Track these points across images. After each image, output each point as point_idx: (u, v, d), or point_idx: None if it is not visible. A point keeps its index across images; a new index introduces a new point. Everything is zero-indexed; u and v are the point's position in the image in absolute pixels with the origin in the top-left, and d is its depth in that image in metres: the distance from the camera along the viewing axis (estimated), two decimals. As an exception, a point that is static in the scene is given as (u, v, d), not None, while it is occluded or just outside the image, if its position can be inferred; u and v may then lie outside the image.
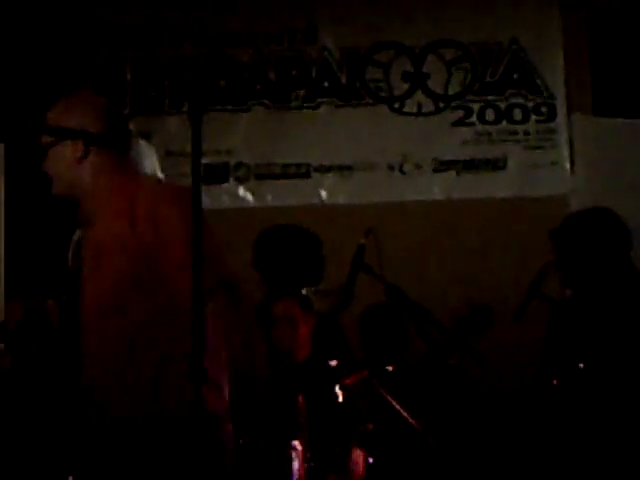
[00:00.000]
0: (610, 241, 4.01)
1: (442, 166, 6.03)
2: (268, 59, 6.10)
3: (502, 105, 6.06)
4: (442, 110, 6.08)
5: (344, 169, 6.05)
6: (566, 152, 6.01)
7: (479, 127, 6.06)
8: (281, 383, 4.54)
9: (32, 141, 3.20)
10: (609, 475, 3.79)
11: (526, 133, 6.04)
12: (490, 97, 6.07)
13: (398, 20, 6.07)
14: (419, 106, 6.08)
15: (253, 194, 6.05)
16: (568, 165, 6.01)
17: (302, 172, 6.06)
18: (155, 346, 3.05)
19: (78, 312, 3.13)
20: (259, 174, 6.06)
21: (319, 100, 6.09)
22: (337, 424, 4.30)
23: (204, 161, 2.44)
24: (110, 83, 6.07)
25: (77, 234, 3.24)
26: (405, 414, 4.37)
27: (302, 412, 4.22)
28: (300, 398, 4.27)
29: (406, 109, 6.08)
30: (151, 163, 6.03)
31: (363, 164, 6.04)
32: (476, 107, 6.07)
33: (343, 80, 6.11)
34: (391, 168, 6.04)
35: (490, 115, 6.06)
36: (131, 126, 6.01)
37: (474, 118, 6.07)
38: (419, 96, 6.09)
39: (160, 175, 6.02)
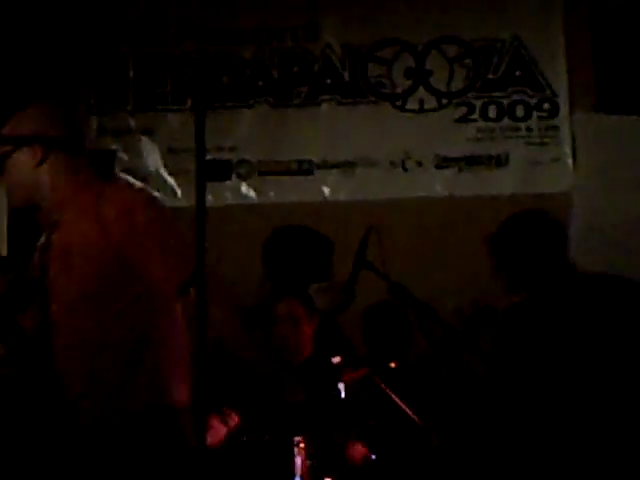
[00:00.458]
0: (547, 243, 4.02)
1: (444, 163, 6.04)
2: (271, 56, 6.10)
3: (504, 102, 6.07)
4: (444, 107, 6.08)
5: (346, 166, 6.05)
6: (568, 149, 6.01)
7: (481, 124, 6.06)
8: (283, 382, 4.55)
9: None
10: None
11: (528, 130, 6.04)
12: (492, 94, 6.07)
13: (400, 17, 6.07)
14: (421, 103, 6.08)
15: (256, 191, 6.06)
16: (570, 162, 6.01)
17: (305, 169, 6.06)
18: (124, 346, 3.10)
19: (47, 315, 3.15)
20: (262, 171, 6.06)
21: (321, 97, 6.10)
22: (339, 420, 4.31)
23: (207, 158, 2.44)
24: (113, 79, 6.08)
25: (41, 239, 3.25)
26: (408, 411, 4.38)
27: (304, 409, 4.23)
28: (302, 395, 4.28)
29: (408, 106, 6.09)
30: (154, 160, 6.04)
31: (365, 161, 6.04)
32: (478, 104, 6.07)
33: (345, 77, 6.11)
34: (393, 165, 6.04)
35: (492, 112, 6.06)
36: (133, 123, 6.09)
37: (476, 115, 6.07)
38: (421, 93, 6.09)
39: (163, 172, 6.04)
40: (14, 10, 5.91)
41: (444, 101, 6.08)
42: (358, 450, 4.36)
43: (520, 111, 6.05)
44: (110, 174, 5.92)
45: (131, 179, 5.97)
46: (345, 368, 4.35)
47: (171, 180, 6.00)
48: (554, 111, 6.04)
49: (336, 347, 4.62)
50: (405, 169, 6.04)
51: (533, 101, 6.05)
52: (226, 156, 6.00)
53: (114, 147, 6.04)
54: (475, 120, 6.06)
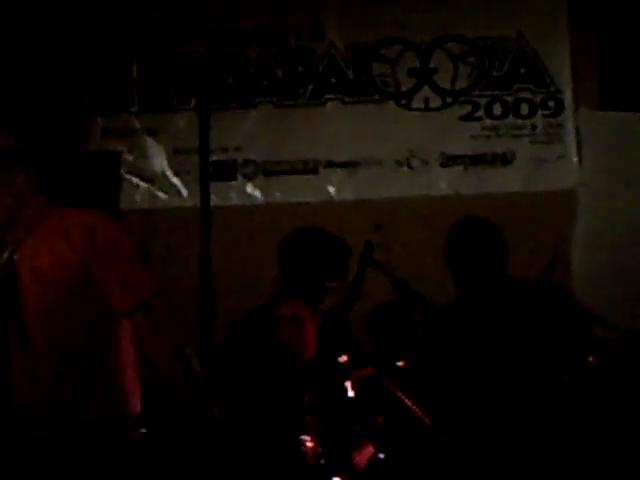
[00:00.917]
0: (488, 249, 4.13)
1: (449, 161, 6.03)
2: (275, 56, 6.10)
3: (509, 100, 6.06)
4: (449, 105, 6.07)
5: (351, 165, 6.05)
6: (573, 146, 6.00)
7: (486, 122, 6.06)
8: (289, 381, 4.55)
9: None
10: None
11: (533, 127, 6.04)
12: (497, 92, 6.07)
13: (404, 16, 6.07)
14: (426, 101, 6.08)
15: (261, 191, 6.05)
16: (575, 159, 6.00)
17: (310, 168, 6.06)
18: (88, 356, 3.23)
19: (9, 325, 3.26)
20: (267, 171, 6.06)
21: (326, 96, 6.10)
22: (347, 419, 4.31)
23: (212, 158, 2.45)
24: (117, 80, 6.09)
25: (4, 257, 3.30)
26: (416, 409, 4.37)
27: (310, 409, 4.23)
28: (308, 395, 4.28)
29: (413, 104, 6.08)
30: (159, 161, 6.04)
31: (370, 160, 6.04)
32: (483, 102, 6.06)
33: (350, 76, 6.11)
34: (398, 163, 6.04)
35: (497, 110, 6.05)
36: (138, 123, 6.09)
37: (481, 113, 6.06)
38: (426, 91, 6.09)
39: (168, 173, 6.04)
40: (19, 12, 5.93)
41: (449, 99, 6.07)
42: (365, 452, 4.36)
43: (525, 109, 6.05)
44: (116, 176, 5.93)
45: (135, 180, 5.99)
46: (352, 367, 4.35)
47: (176, 180, 6.00)
48: (559, 108, 6.03)
49: (344, 346, 4.63)
50: (410, 168, 6.04)
51: (538, 99, 6.05)
52: (231, 156, 5.99)
53: (119, 148, 6.04)
54: (480, 118, 6.06)
